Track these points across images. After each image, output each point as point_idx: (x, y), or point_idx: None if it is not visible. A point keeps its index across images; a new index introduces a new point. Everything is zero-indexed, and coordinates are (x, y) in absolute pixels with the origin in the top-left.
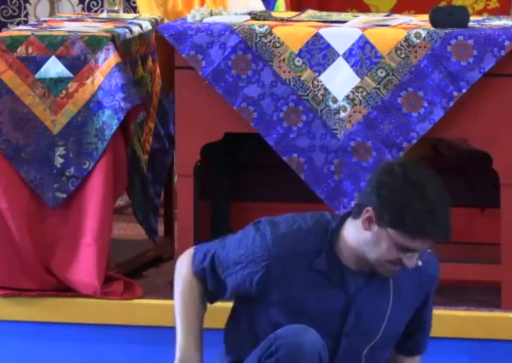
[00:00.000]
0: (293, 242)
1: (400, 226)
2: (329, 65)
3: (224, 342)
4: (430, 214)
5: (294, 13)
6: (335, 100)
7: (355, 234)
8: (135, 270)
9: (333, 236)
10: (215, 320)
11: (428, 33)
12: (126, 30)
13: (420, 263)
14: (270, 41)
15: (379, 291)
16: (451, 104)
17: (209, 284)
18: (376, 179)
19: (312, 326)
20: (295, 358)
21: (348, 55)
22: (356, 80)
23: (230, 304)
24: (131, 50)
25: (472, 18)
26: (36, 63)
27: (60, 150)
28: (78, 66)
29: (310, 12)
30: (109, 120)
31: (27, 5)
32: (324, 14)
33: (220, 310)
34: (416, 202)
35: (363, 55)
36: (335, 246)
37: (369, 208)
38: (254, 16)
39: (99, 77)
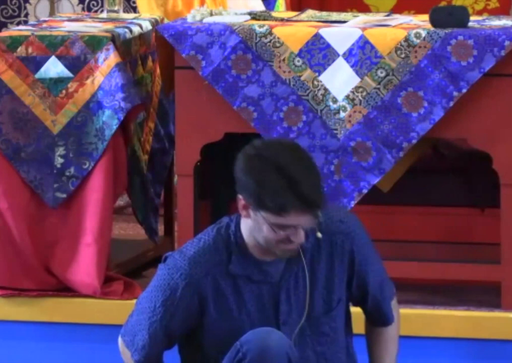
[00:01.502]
0: (205, 256)
1: (264, 206)
2: (329, 65)
3: None
4: (287, 188)
5: (294, 13)
6: (335, 100)
7: (244, 226)
8: (135, 270)
9: (236, 236)
10: None
11: (428, 33)
12: (126, 30)
13: (319, 235)
14: (270, 41)
15: (296, 270)
16: (451, 104)
17: (156, 350)
18: (235, 166)
19: (252, 327)
20: (263, 362)
21: (348, 55)
22: (356, 80)
23: None
24: (131, 50)
25: (472, 18)
26: (36, 63)
27: (60, 151)
28: (78, 66)
29: (310, 12)
30: (109, 120)
31: (27, 5)
32: (324, 14)
33: None
34: (270, 179)
35: (363, 55)
36: (242, 245)
37: (239, 196)
38: (254, 16)
39: (99, 77)
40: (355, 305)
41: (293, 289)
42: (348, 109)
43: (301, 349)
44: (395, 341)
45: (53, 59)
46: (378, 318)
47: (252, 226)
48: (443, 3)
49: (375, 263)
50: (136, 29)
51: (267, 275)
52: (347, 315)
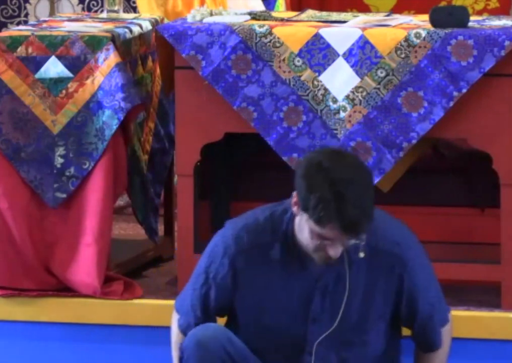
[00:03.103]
0: (251, 234)
1: (306, 211)
2: (329, 65)
3: None
4: (331, 203)
5: (294, 13)
6: (335, 100)
7: (296, 221)
8: (135, 270)
9: (288, 225)
10: None
11: (428, 33)
12: (126, 30)
13: (361, 255)
14: (270, 41)
15: (338, 275)
16: (451, 104)
17: (194, 319)
18: (303, 166)
19: (277, 318)
20: (198, 359)
21: (348, 55)
22: (356, 80)
23: None
24: (131, 50)
25: (472, 18)
26: (36, 63)
27: (60, 151)
28: (78, 66)
29: (310, 12)
30: (109, 120)
31: (27, 5)
32: (324, 14)
33: None
34: (319, 190)
35: (363, 55)
36: (292, 235)
37: (294, 193)
38: (254, 16)
39: (99, 77)
40: (404, 326)
41: (331, 292)
42: (348, 109)
43: (324, 350)
44: None
45: (53, 59)
46: (424, 344)
47: (297, 224)
48: (443, 3)
49: (427, 290)
50: (136, 29)
51: (305, 270)
52: (393, 333)
